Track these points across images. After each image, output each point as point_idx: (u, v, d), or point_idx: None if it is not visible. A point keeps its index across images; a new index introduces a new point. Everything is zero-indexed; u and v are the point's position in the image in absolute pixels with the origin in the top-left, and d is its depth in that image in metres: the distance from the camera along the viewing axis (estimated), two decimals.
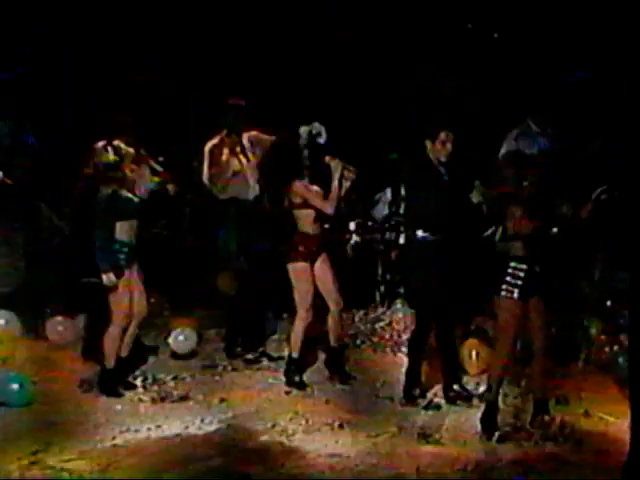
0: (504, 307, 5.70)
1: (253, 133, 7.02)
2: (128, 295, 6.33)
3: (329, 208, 6.37)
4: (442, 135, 6.14)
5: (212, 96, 7.53)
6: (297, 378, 6.55)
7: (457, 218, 6.12)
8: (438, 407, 6.21)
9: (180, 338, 7.11)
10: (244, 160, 6.97)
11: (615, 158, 7.21)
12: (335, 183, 6.36)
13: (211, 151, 6.98)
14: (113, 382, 6.40)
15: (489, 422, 5.73)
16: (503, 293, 5.64)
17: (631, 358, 4.62)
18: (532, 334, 5.79)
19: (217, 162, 6.93)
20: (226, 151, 6.96)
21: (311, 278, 6.51)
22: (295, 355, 6.58)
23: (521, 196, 5.69)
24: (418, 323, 6.38)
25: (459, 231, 6.16)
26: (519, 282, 5.60)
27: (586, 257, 7.05)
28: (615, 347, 6.81)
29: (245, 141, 7.00)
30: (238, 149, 6.97)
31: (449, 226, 6.12)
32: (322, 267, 6.53)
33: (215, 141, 7.00)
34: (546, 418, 5.75)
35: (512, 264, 5.64)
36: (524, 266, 5.61)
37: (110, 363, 6.39)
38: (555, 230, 5.95)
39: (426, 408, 6.19)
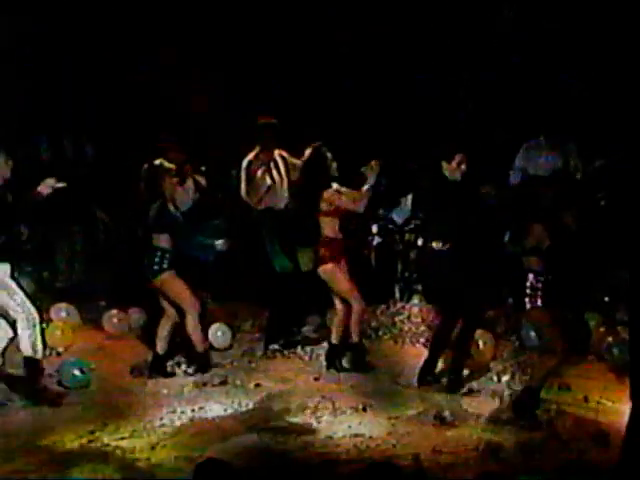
0: (536, 316, 5.64)
1: (282, 150, 7.03)
2: (186, 287, 6.35)
3: (361, 207, 6.40)
4: (457, 157, 6.12)
5: (246, 114, 7.51)
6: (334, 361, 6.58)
7: (468, 229, 6.08)
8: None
9: (218, 333, 7.09)
10: (276, 174, 6.98)
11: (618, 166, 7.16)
12: (371, 182, 6.37)
13: (247, 167, 7.00)
14: (206, 363, 6.47)
15: (524, 409, 5.67)
16: (528, 306, 5.58)
17: (631, 352, 4.57)
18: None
19: (253, 177, 6.95)
20: (260, 166, 6.97)
21: (343, 274, 6.49)
22: (356, 340, 6.58)
23: (542, 215, 5.64)
24: (442, 319, 6.37)
25: (470, 239, 6.09)
26: (539, 292, 5.55)
27: (588, 259, 6.94)
28: (610, 338, 6.73)
29: (276, 157, 7.01)
30: (271, 164, 6.98)
31: (461, 236, 6.08)
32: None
33: (250, 157, 7.02)
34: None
35: (531, 276, 5.57)
36: (542, 278, 5.56)
37: (201, 347, 6.45)
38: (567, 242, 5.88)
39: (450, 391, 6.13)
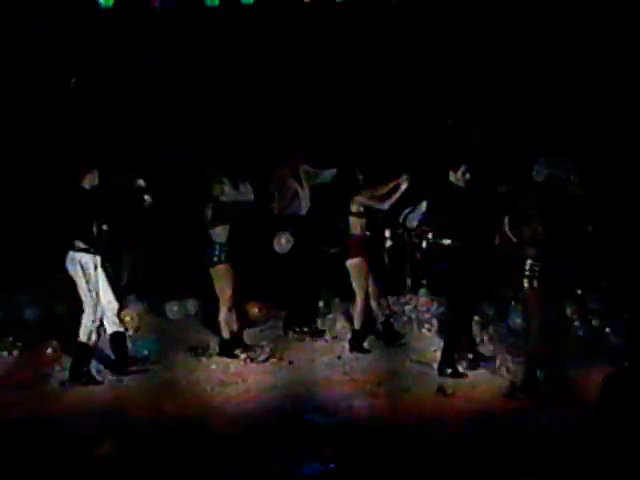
0: (531, 299, 5.60)
1: (306, 166, 7.07)
2: (231, 284, 6.38)
3: (386, 205, 6.52)
4: (463, 167, 6.10)
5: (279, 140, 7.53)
6: (359, 344, 6.59)
7: (470, 229, 6.04)
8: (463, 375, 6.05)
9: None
10: (299, 186, 7.01)
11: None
12: (400, 191, 6.47)
13: (277, 180, 7.04)
14: (230, 347, 6.45)
15: (528, 388, 5.63)
16: (526, 286, 5.52)
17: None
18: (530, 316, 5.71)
19: (281, 188, 6.99)
20: (287, 180, 7.01)
21: (365, 270, 6.52)
22: (358, 327, 6.61)
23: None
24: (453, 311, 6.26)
25: (472, 238, 6.06)
26: (537, 275, 5.49)
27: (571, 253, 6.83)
28: (577, 322, 6.72)
29: (300, 171, 7.04)
30: (296, 178, 7.01)
31: (464, 235, 6.06)
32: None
33: (279, 172, 7.06)
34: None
35: (529, 262, 5.50)
36: (538, 264, 5.50)
37: (227, 334, 6.44)
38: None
39: (453, 376, 5.99)
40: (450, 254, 6.07)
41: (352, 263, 6.53)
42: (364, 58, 7.87)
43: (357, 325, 6.62)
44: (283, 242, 6.92)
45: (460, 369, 6.03)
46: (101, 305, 5.89)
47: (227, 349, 6.44)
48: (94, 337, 5.89)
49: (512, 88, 7.89)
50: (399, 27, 7.73)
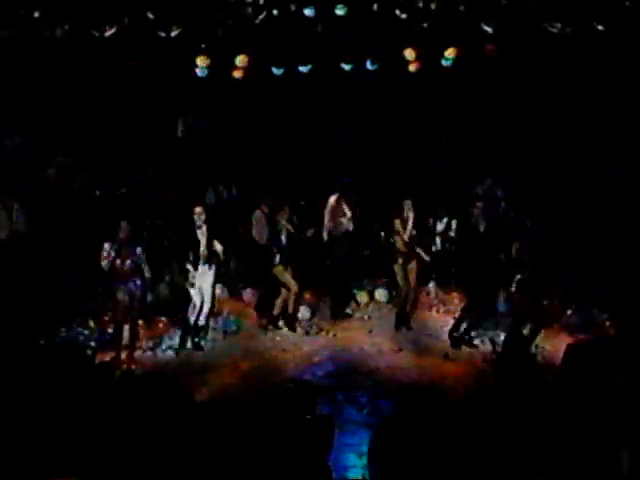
0: (517, 299, 5.90)
1: (351, 197, 7.33)
2: (291, 276, 6.72)
3: (406, 235, 6.82)
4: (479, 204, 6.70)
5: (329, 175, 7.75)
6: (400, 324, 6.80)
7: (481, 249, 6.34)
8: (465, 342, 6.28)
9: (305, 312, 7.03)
10: (347, 212, 7.27)
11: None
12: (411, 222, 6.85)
13: (330, 208, 7.31)
14: (293, 322, 6.76)
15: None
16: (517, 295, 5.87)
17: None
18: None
19: (333, 213, 7.26)
20: (337, 207, 7.26)
21: (404, 269, 6.76)
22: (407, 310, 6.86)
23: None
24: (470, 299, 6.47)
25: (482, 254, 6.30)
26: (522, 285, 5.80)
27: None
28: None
29: (345, 203, 7.31)
30: (343, 206, 7.26)
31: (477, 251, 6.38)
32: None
33: (332, 201, 7.32)
34: None
35: (517, 276, 5.83)
36: (521, 276, 5.81)
37: (292, 312, 6.72)
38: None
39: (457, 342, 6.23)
40: (468, 263, 6.38)
41: (395, 265, 6.84)
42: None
43: (399, 310, 6.82)
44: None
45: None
46: (209, 299, 6.34)
47: (292, 322, 6.69)
48: (209, 320, 6.45)
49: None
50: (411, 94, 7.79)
